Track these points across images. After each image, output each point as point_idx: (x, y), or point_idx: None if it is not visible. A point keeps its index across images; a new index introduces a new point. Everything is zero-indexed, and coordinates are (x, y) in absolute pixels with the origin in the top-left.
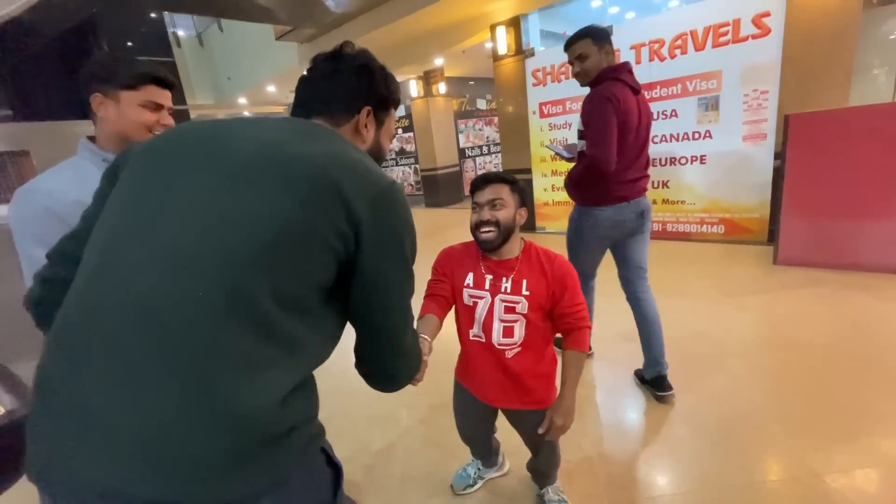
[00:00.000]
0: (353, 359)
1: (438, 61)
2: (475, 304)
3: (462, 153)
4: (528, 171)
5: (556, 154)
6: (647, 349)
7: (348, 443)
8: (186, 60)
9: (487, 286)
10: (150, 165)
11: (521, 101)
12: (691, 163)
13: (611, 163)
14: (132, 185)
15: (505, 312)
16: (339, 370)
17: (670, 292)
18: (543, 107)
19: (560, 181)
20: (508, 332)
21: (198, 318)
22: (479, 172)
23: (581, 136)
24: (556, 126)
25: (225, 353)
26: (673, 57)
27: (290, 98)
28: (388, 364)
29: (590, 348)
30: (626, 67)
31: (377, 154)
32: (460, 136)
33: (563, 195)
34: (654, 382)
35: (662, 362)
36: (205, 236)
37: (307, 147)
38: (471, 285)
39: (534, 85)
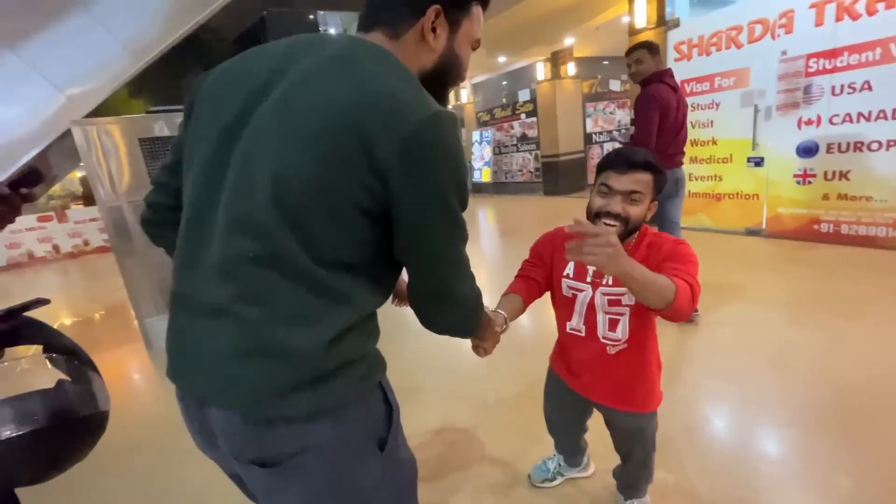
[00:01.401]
0: (447, 338)
1: (568, 41)
2: (574, 296)
3: (588, 139)
4: None
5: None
6: None
7: (435, 416)
8: None
9: (589, 278)
10: (208, 118)
11: None
12: (886, 149)
13: (650, 143)
14: (196, 140)
15: (609, 305)
16: (434, 348)
17: (846, 312)
18: (685, 84)
19: (702, 168)
20: (613, 324)
21: (251, 275)
22: None
23: (632, 122)
24: (700, 106)
25: (274, 302)
26: (872, 13)
27: None
28: (436, 311)
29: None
30: (668, 73)
31: (451, 66)
32: (588, 120)
33: (701, 185)
34: None
35: None
36: (240, 202)
37: (336, 86)
38: (570, 276)
39: (676, 60)
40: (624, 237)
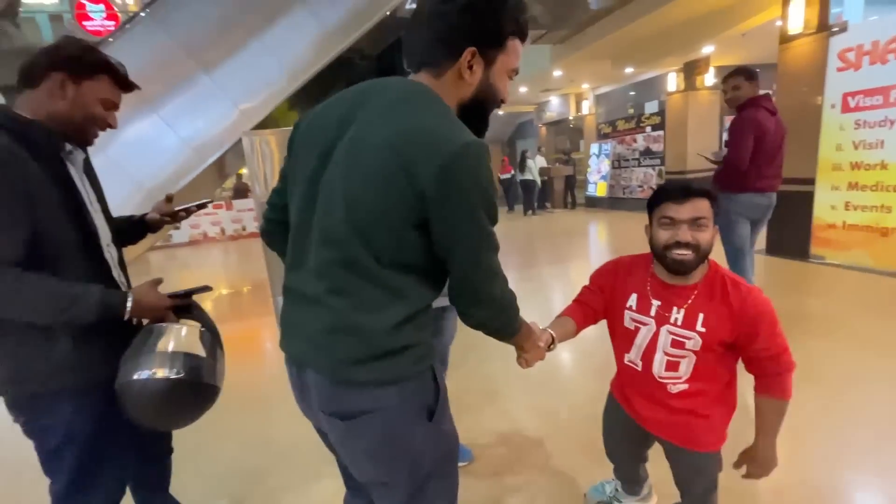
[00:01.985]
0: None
1: (707, 49)
2: (637, 329)
3: None
4: (809, 181)
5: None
6: None
7: (507, 421)
8: None
9: (653, 313)
10: (304, 153)
11: (814, 92)
12: None
13: (743, 165)
14: (297, 171)
15: (672, 346)
16: (508, 363)
17: None
18: (849, 98)
19: (864, 197)
20: (673, 366)
21: (336, 275)
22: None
23: (726, 144)
24: (867, 123)
25: (353, 295)
26: None
27: (541, 98)
28: (468, 307)
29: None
30: (766, 97)
31: (487, 96)
32: (725, 135)
33: (862, 216)
34: None
35: None
36: (326, 219)
37: (386, 126)
38: (633, 308)
39: (839, 69)
40: (696, 264)
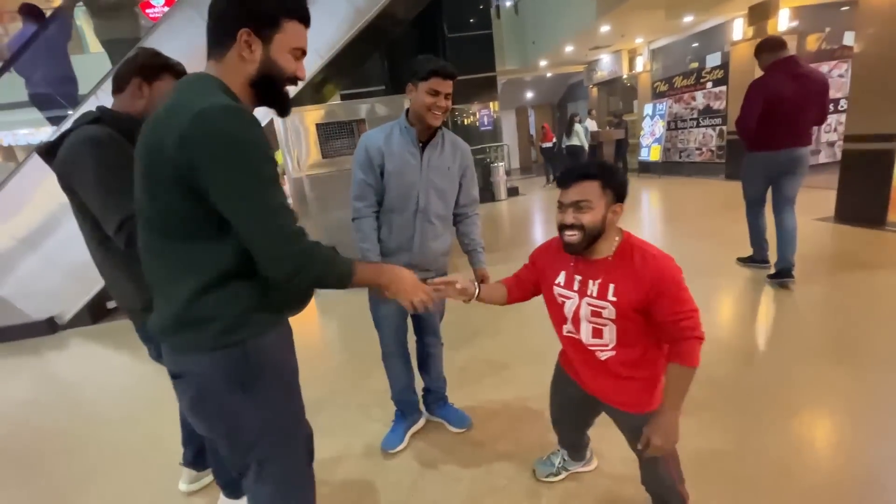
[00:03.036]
0: (540, 326)
1: None
2: (563, 302)
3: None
4: (891, 137)
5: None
6: (780, 251)
7: (512, 391)
8: (503, 30)
9: (576, 287)
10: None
11: None
12: None
13: (748, 127)
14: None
15: (592, 316)
16: (528, 334)
17: None
18: None
19: None
20: (597, 333)
21: (147, 252)
22: (823, 136)
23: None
24: None
25: (157, 269)
26: None
27: (590, 56)
28: (273, 270)
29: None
30: (788, 60)
31: (273, 71)
32: None
33: None
34: (779, 273)
35: (790, 259)
36: (138, 209)
37: (158, 124)
38: (561, 284)
39: None
40: (587, 244)
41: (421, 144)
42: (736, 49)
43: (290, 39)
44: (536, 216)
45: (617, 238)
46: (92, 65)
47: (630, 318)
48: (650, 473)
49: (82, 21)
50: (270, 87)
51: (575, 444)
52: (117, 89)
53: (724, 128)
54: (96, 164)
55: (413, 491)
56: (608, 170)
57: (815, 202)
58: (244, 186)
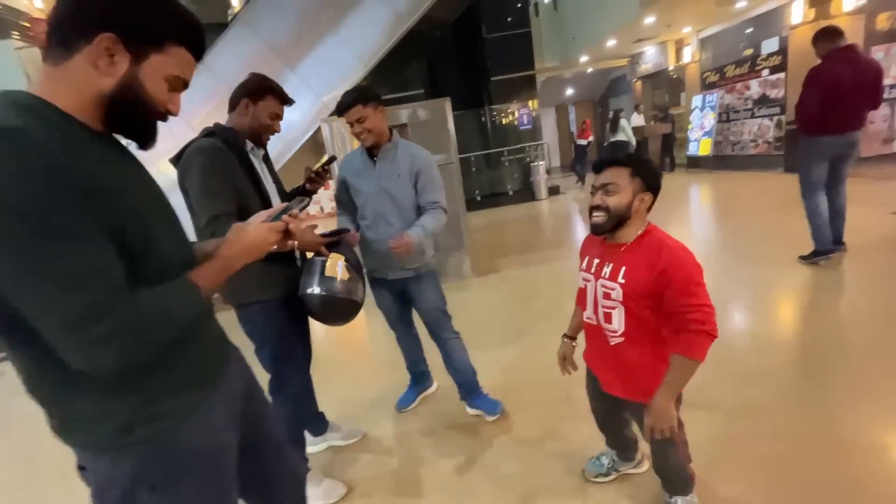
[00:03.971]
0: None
1: None
2: (585, 286)
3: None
4: None
5: None
6: (831, 223)
7: (532, 390)
8: (542, 27)
9: (593, 270)
10: None
11: None
12: None
13: (807, 113)
14: None
15: (603, 298)
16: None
17: None
18: None
19: None
20: (608, 318)
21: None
22: None
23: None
24: None
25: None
26: None
27: (633, 49)
28: (84, 362)
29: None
30: (847, 48)
31: (134, 95)
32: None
33: None
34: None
35: (840, 232)
36: None
37: None
38: (584, 268)
39: None
40: (612, 225)
41: (374, 158)
42: (795, 33)
43: (171, 66)
44: (577, 215)
45: (641, 228)
46: None
47: (637, 302)
48: (661, 458)
49: None
50: (127, 113)
51: (619, 444)
52: (231, 108)
53: (783, 117)
54: (200, 168)
55: (461, 486)
56: (640, 159)
57: (891, 194)
58: (18, 264)
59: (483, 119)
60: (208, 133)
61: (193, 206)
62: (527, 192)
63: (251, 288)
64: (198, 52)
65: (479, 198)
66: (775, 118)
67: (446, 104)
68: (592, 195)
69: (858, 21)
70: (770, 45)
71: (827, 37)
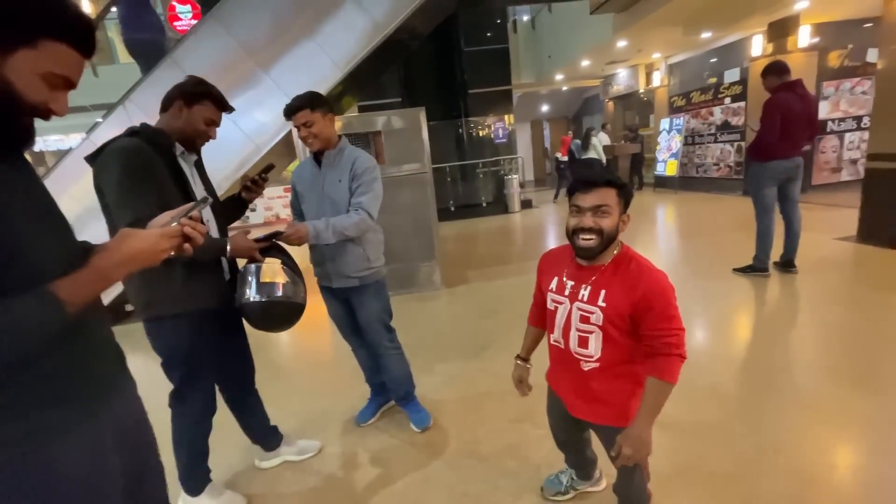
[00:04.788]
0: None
1: (800, 5)
2: (556, 308)
3: (821, 127)
4: None
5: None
6: (788, 245)
7: (493, 405)
8: (519, 44)
9: (567, 292)
10: None
11: None
12: None
13: (772, 140)
14: None
15: (580, 321)
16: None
17: None
18: None
19: None
20: (583, 342)
21: None
22: (846, 153)
23: (761, 121)
24: None
25: None
26: None
27: (607, 70)
28: None
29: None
30: (796, 83)
31: (14, 98)
32: (823, 104)
33: None
34: (784, 264)
35: (793, 254)
36: None
37: None
38: (553, 290)
39: None
40: (602, 249)
41: (318, 163)
42: (755, 65)
43: (45, 62)
44: (550, 229)
45: (616, 249)
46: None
47: (616, 325)
48: (625, 481)
49: (113, 33)
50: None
51: (578, 463)
52: (163, 109)
53: (743, 143)
54: (120, 168)
55: None
56: (622, 183)
57: (836, 221)
58: None
59: (460, 130)
60: (132, 132)
61: (111, 207)
62: (500, 205)
63: (172, 299)
64: (84, 49)
65: (452, 208)
66: (735, 144)
67: (420, 114)
68: (578, 215)
69: (812, 57)
70: (732, 75)
71: (776, 72)
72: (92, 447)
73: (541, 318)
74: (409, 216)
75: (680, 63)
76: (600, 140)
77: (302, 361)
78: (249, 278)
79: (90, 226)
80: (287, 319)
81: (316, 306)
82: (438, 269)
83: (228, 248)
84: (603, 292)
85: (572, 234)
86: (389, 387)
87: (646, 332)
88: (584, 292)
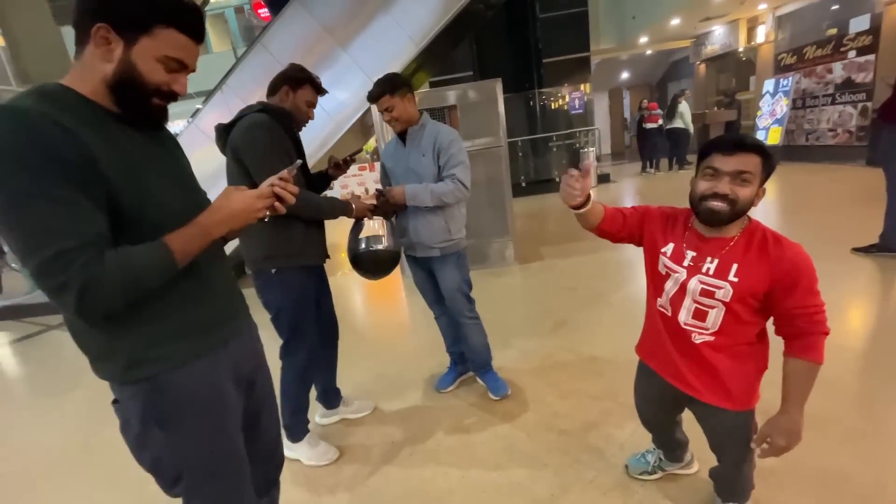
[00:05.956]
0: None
1: None
2: (668, 275)
3: None
4: None
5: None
6: None
7: (573, 381)
8: (600, 5)
9: (686, 262)
10: None
11: None
12: None
13: None
14: None
15: (701, 295)
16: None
17: None
18: None
19: None
20: (700, 315)
21: None
22: None
23: None
24: None
25: None
26: None
27: (699, 29)
28: (65, 306)
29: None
30: None
31: (131, 75)
32: None
33: None
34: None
35: None
36: None
37: None
38: (668, 255)
39: None
40: (730, 219)
41: (403, 140)
42: (891, 9)
43: (161, 47)
44: (628, 205)
45: (745, 221)
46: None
47: (746, 302)
48: (732, 468)
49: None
50: (128, 93)
51: (667, 444)
52: (270, 93)
53: (870, 104)
54: (265, 143)
55: (496, 470)
56: (769, 149)
57: None
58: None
59: (532, 103)
60: (260, 109)
61: (251, 167)
62: None
63: (288, 253)
64: (193, 33)
65: (524, 184)
66: (860, 105)
67: (497, 85)
68: (714, 179)
69: None
70: (859, 24)
71: None
72: (209, 380)
73: (610, 221)
74: (482, 191)
75: (791, 14)
76: (686, 107)
77: (383, 329)
78: (361, 234)
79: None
80: (390, 266)
81: (393, 279)
82: (512, 245)
83: (354, 208)
84: (735, 266)
85: (700, 198)
86: (468, 356)
87: (790, 311)
88: (710, 265)
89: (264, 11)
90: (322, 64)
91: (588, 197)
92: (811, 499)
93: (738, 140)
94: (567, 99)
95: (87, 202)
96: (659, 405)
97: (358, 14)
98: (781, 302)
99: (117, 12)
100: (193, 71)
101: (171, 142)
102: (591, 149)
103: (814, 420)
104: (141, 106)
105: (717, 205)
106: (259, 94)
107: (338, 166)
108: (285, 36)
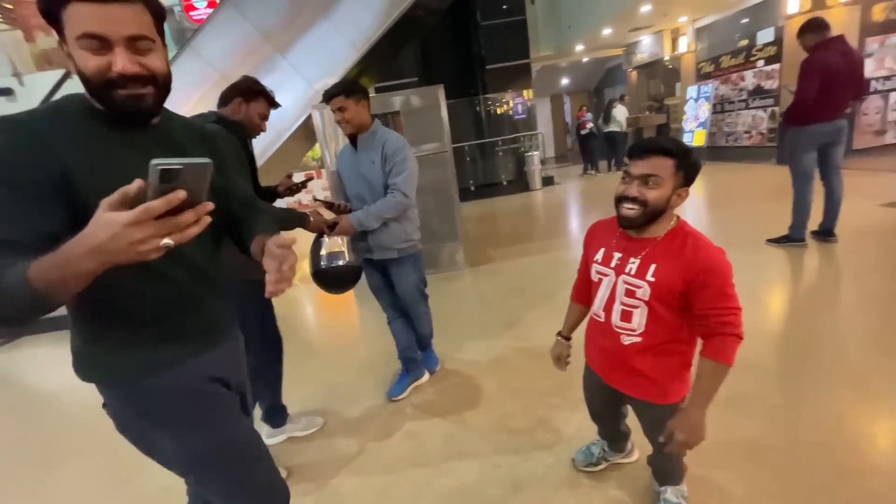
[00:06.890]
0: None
1: None
2: (600, 280)
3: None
4: None
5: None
6: (828, 213)
7: (523, 380)
8: (538, 15)
9: (613, 264)
10: None
11: None
12: None
13: (808, 102)
14: None
15: (625, 295)
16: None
17: None
18: None
19: None
20: (626, 316)
21: None
22: (891, 115)
23: (798, 82)
24: None
25: None
26: None
27: (629, 38)
28: None
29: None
30: (837, 39)
31: (81, 76)
32: (866, 61)
33: None
34: (823, 233)
35: (835, 221)
36: None
37: None
38: (599, 261)
39: None
40: (645, 221)
41: (355, 146)
42: (791, 23)
43: (73, 29)
44: (572, 206)
45: (671, 222)
46: None
47: (664, 301)
48: (664, 457)
49: None
50: (93, 93)
51: (611, 435)
52: (222, 103)
53: (777, 109)
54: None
55: (449, 475)
56: (686, 151)
57: (880, 187)
58: None
59: (477, 108)
60: (215, 121)
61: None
62: (521, 183)
63: (235, 266)
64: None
65: (472, 188)
66: (769, 109)
67: (439, 91)
68: (625, 183)
69: (854, 12)
70: (765, 36)
71: (814, 29)
72: (188, 386)
73: (585, 295)
74: (430, 197)
75: (708, 26)
76: (620, 112)
77: (332, 341)
78: (322, 251)
79: None
80: (353, 280)
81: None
82: (462, 249)
83: (311, 220)
84: (653, 266)
85: (616, 201)
86: (418, 336)
87: (701, 311)
88: (632, 265)
89: (196, 13)
90: (260, 70)
91: (569, 342)
92: (737, 472)
93: (647, 144)
94: (511, 104)
95: (19, 209)
96: (603, 399)
97: (297, 19)
98: (694, 303)
99: (47, 11)
100: (126, 43)
101: (162, 138)
102: (536, 152)
103: (738, 399)
104: (110, 102)
105: (629, 207)
106: (190, 103)
107: (292, 189)
108: (218, 41)
